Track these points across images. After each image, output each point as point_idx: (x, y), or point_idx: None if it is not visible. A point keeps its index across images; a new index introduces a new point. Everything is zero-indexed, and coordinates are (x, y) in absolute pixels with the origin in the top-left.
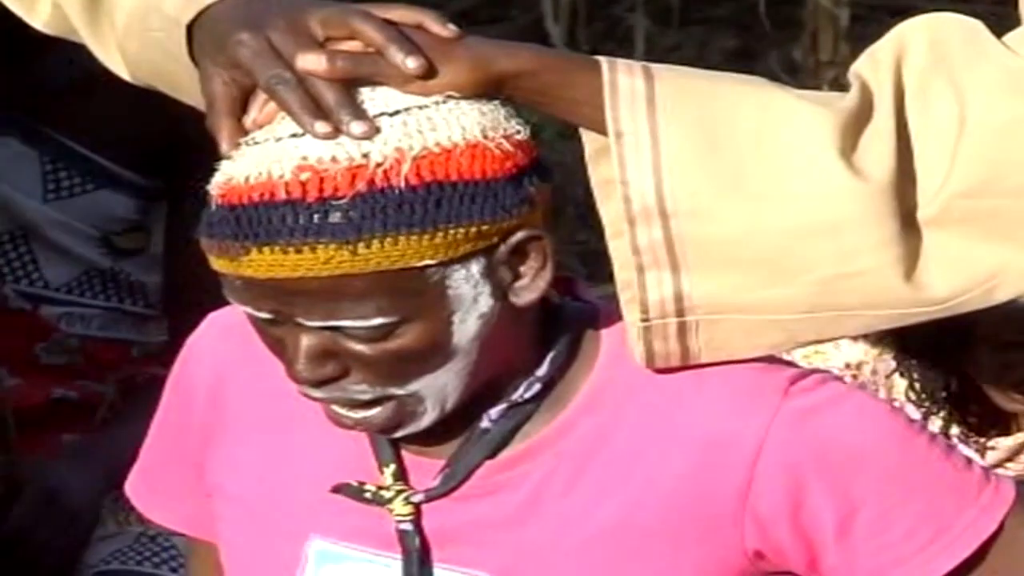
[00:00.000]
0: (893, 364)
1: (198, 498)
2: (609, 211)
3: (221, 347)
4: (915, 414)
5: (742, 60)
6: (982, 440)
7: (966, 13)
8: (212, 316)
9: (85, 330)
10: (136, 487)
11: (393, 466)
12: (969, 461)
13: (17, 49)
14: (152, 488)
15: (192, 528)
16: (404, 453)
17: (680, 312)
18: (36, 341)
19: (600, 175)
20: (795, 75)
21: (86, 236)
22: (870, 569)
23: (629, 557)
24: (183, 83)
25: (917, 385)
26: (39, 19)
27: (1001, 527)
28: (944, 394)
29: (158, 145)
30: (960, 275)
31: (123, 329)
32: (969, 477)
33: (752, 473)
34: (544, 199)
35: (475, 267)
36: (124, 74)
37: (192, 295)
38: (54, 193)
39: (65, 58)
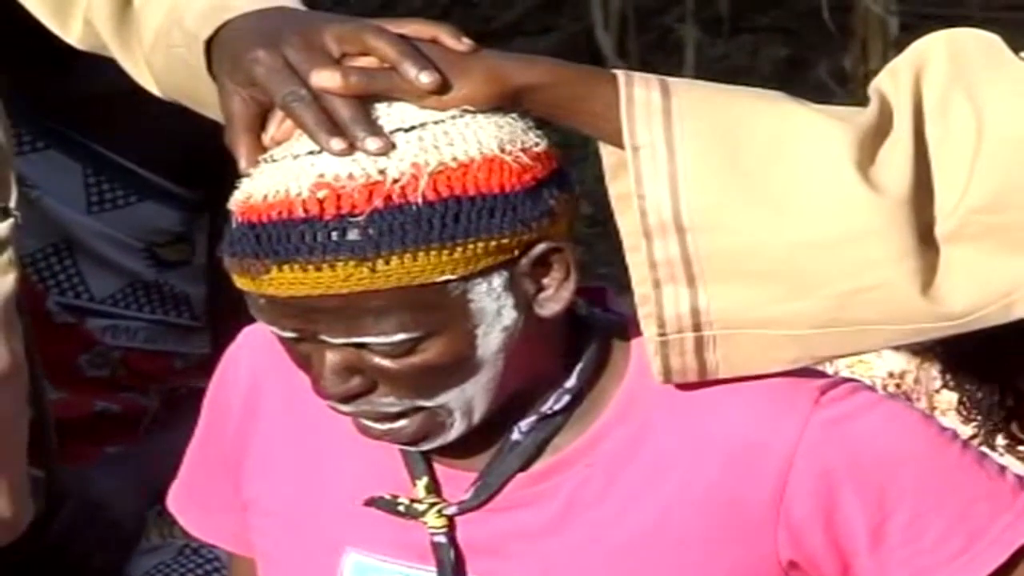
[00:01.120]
0: (937, 376)
1: (238, 512)
2: (626, 225)
3: (256, 360)
4: (964, 429)
5: (792, 69)
6: (1021, 448)
7: (1018, 23)
8: (248, 329)
9: (130, 342)
10: (178, 501)
11: (426, 479)
12: (1003, 469)
13: (56, 61)
14: (193, 502)
15: (232, 543)
16: (436, 466)
17: (697, 327)
18: (79, 353)
19: (618, 189)
20: (845, 84)
21: (130, 248)
22: None
23: (661, 566)
24: (205, 98)
25: (967, 400)
26: (72, 35)
27: None
28: (994, 409)
29: (200, 156)
30: (978, 290)
31: (167, 341)
32: (1003, 484)
33: (785, 482)
34: (566, 210)
35: (497, 280)
36: (153, 88)
37: (235, 307)
38: (97, 205)
39: (104, 70)
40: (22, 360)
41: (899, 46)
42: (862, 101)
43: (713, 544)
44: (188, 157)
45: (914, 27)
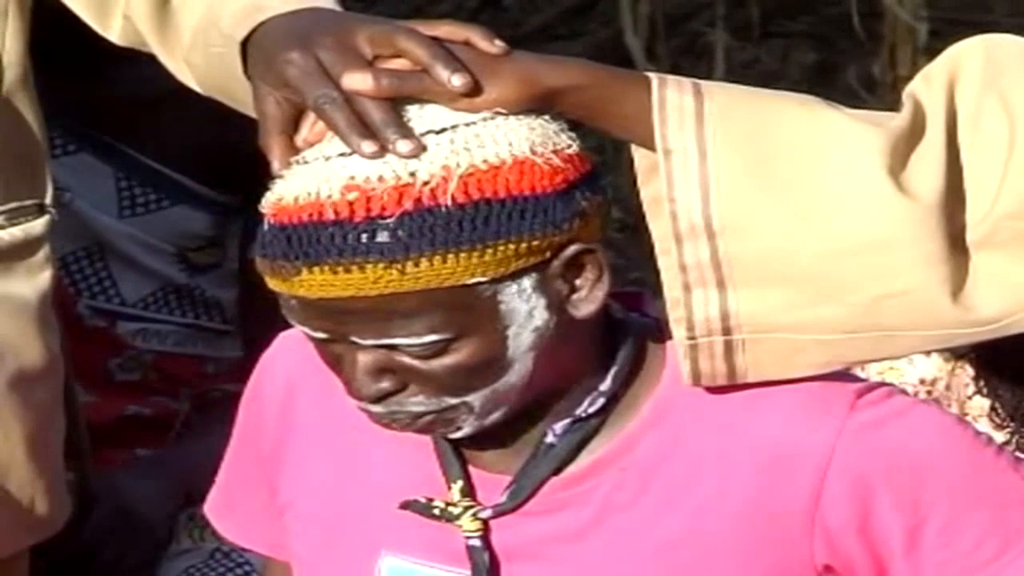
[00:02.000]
0: (969, 382)
1: (273, 517)
2: (658, 228)
3: (292, 364)
4: (997, 435)
5: (821, 74)
6: None
7: None
8: (284, 333)
9: (160, 346)
10: (215, 507)
11: (461, 482)
12: None
13: (89, 65)
14: (229, 508)
15: (267, 548)
16: (472, 469)
17: (726, 331)
18: (110, 357)
19: (650, 192)
20: (874, 90)
21: (162, 252)
22: None
23: (696, 571)
24: (242, 97)
25: (1000, 406)
26: (112, 32)
27: None
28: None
29: (232, 161)
30: (1008, 296)
31: (198, 345)
32: None
33: (821, 487)
34: (598, 212)
35: (527, 282)
36: (194, 85)
37: (267, 311)
38: (129, 209)
39: (137, 74)
40: (58, 356)
41: (928, 52)
42: (891, 106)
43: (748, 548)
44: (220, 161)
45: (943, 33)
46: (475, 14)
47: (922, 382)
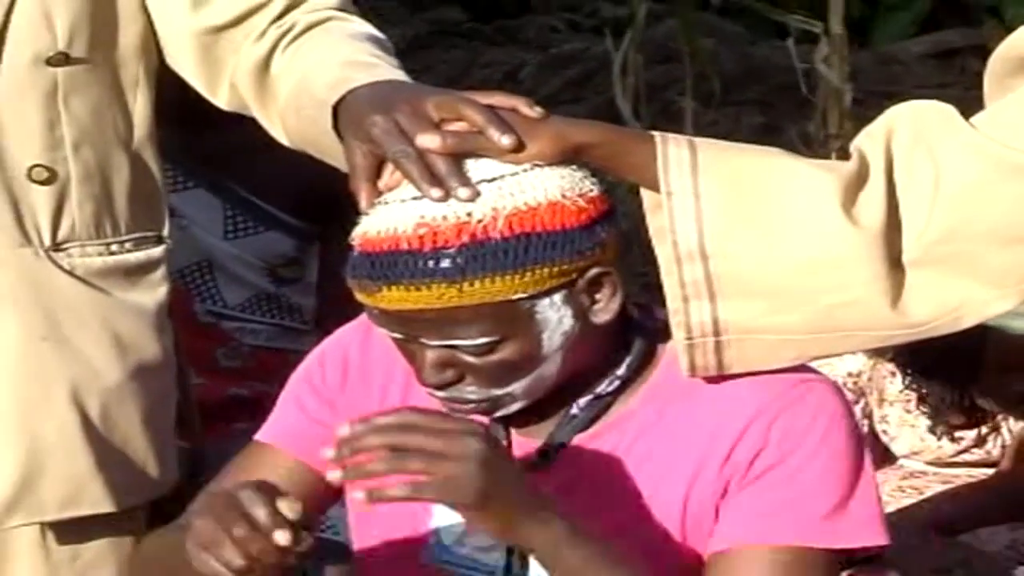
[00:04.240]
0: (887, 375)
1: (305, 422)
2: (663, 253)
3: (356, 350)
4: (907, 417)
5: (766, 133)
6: (955, 433)
7: (945, 98)
8: (348, 325)
9: (255, 341)
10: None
11: (504, 444)
12: (878, 498)
13: (208, 120)
14: (271, 425)
15: (296, 449)
16: (513, 433)
17: (716, 333)
18: (217, 347)
19: (655, 224)
20: (809, 145)
21: (256, 267)
22: (728, 523)
23: (667, 496)
24: (327, 149)
25: (930, 399)
26: (222, 98)
27: (828, 552)
28: (947, 404)
29: (314, 197)
30: (934, 304)
31: (284, 340)
32: (867, 505)
33: (744, 431)
34: (614, 242)
35: (558, 297)
36: (284, 140)
37: (339, 314)
38: (232, 233)
39: (243, 128)
40: (172, 353)
41: (852, 115)
42: (823, 157)
43: (703, 484)
44: (303, 197)
45: (863, 101)
46: (500, 84)
47: (849, 374)
